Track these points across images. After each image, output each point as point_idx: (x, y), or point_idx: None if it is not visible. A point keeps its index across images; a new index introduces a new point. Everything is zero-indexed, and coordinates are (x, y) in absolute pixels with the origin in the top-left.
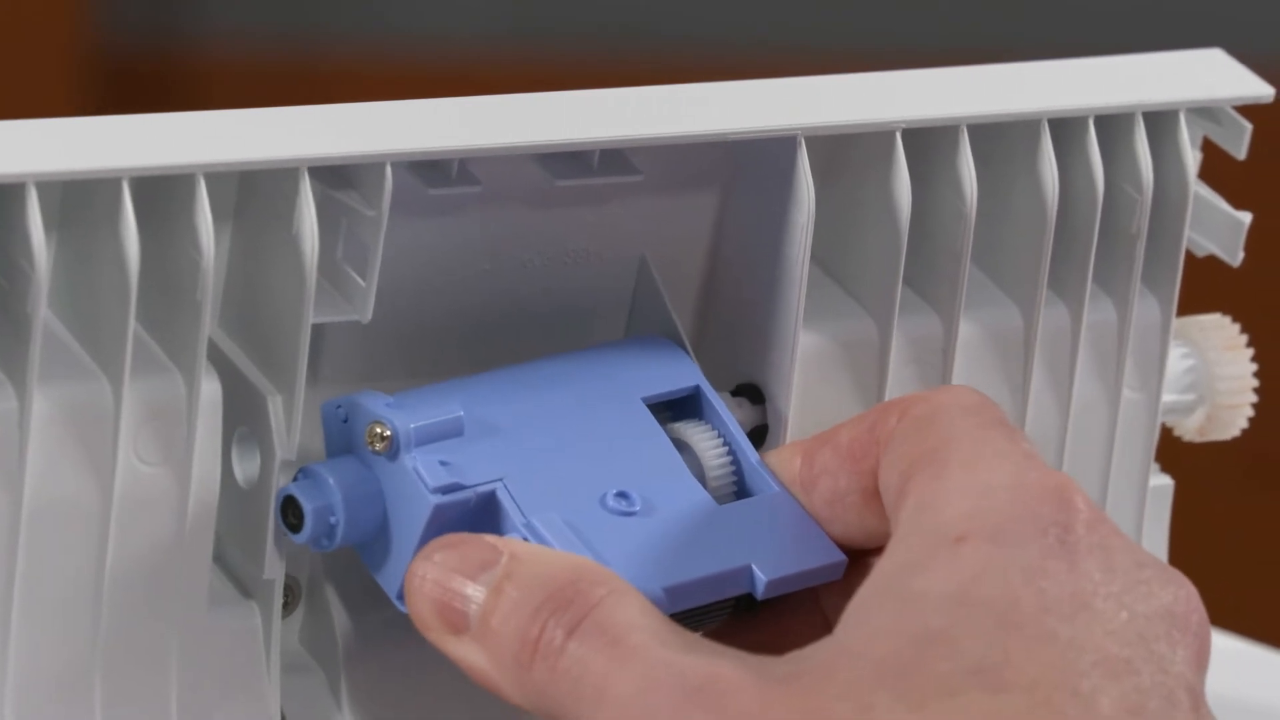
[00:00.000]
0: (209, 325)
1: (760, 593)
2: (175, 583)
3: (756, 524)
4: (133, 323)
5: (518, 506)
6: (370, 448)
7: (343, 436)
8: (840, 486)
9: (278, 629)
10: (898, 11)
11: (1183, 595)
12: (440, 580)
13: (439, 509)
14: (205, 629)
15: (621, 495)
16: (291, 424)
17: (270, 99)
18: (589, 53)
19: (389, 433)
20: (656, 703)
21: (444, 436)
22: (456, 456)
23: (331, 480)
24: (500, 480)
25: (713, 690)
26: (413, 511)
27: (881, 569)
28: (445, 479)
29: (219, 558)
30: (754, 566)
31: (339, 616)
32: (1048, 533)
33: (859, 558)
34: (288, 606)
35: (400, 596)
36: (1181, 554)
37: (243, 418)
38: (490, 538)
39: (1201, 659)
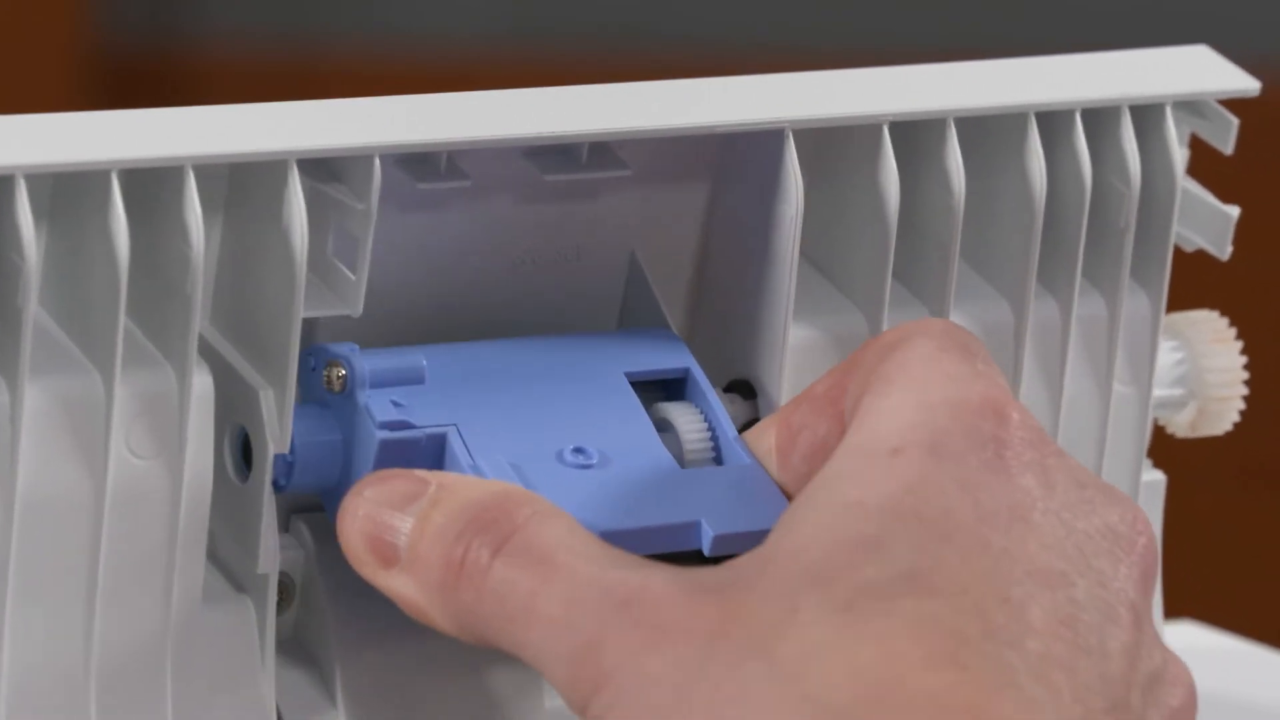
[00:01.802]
0: (200, 319)
1: (708, 549)
2: (170, 577)
3: (716, 486)
4: (123, 316)
5: (468, 451)
6: (328, 388)
7: (312, 384)
8: (820, 434)
9: (272, 624)
10: (889, 10)
11: (1129, 517)
12: (370, 514)
13: (385, 445)
14: (200, 624)
15: (579, 450)
16: (284, 418)
17: (270, 99)
18: (589, 53)
19: (344, 372)
20: (582, 618)
21: (402, 382)
22: (412, 400)
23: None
24: (454, 425)
25: (639, 603)
26: (363, 450)
27: (817, 480)
28: (393, 416)
29: (213, 554)
30: (703, 522)
31: (333, 612)
32: (986, 447)
33: None
34: (282, 604)
35: None
36: (1177, 551)
37: (235, 412)
38: (421, 471)
39: (1147, 580)
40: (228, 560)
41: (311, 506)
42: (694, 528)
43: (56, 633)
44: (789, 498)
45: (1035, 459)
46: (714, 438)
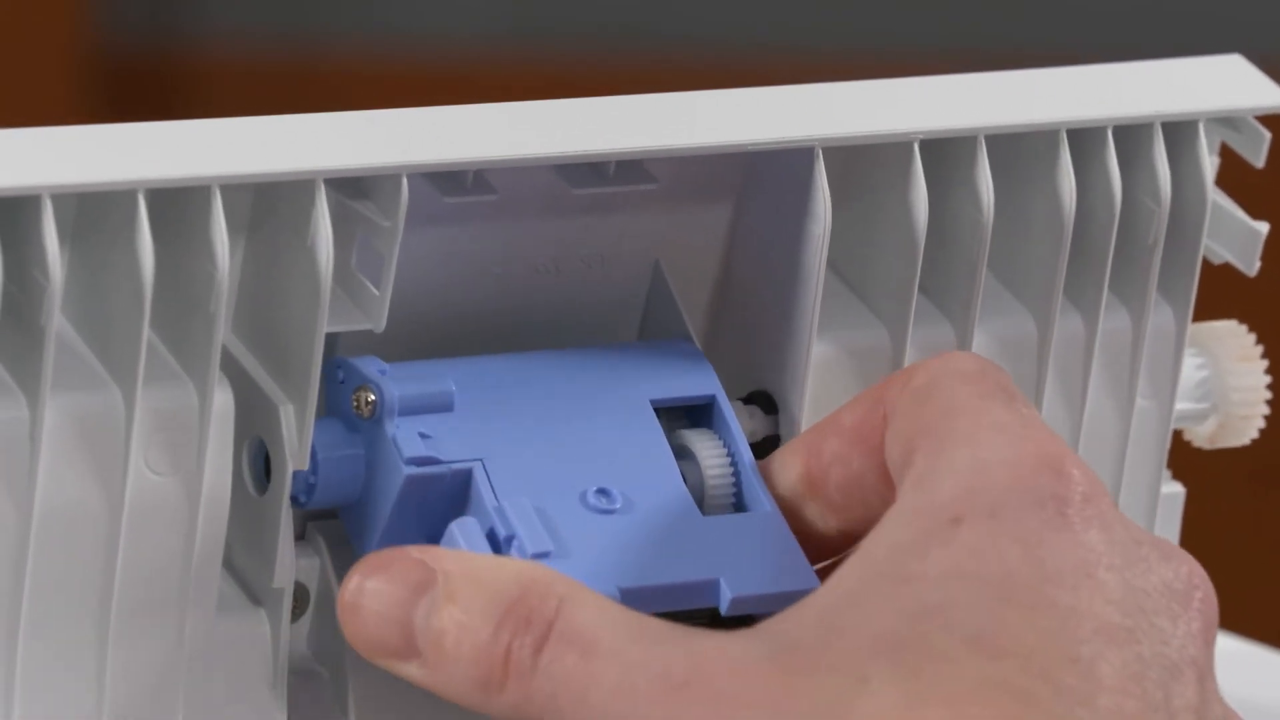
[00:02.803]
0: (222, 335)
1: (725, 609)
2: (185, 592)
3: (737, 539)
4: (146, 333)
5: (492, 489)
6: (357, 413)
7: (338, 398)
8: (854, 470)
9: (286, 636)
10: (892, 11)
11: (1184, 572)
12: (378, 611)
13: (410, 480)
14: (214, 636)
15: (602, 492)
16: (303, 433)
17: (270, 99)
18: (590, 53)
19: (374, 398)
20: (641, 704)
21: (431, 409)
22: (440, 431)
23: (314, 439)
24: (479, 461)
25: (697, 682)
26: (388, 481)
27: (876, 549)
28: (421, 451)
29: (228, 564)
30: (722, 581)
31: None
32: (1046, 506)
33: None
34: (296, 613)
35: None
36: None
37: (254, 424)
38: (416, 552)
39: (1207, 635)
40: (242, 570)
41: (329, 514)
42: (712, 586)
43: (71, 644)
44: (824, 528)
45: (1095, 514)
46: (735, 472)
